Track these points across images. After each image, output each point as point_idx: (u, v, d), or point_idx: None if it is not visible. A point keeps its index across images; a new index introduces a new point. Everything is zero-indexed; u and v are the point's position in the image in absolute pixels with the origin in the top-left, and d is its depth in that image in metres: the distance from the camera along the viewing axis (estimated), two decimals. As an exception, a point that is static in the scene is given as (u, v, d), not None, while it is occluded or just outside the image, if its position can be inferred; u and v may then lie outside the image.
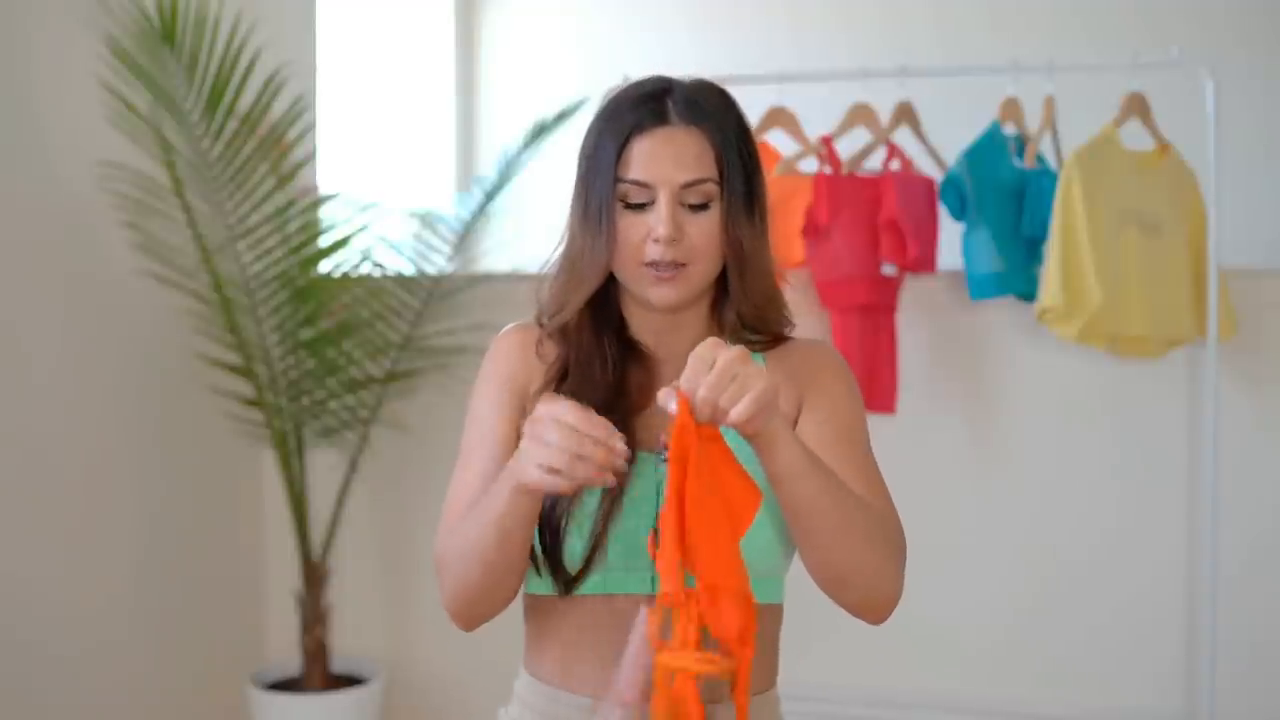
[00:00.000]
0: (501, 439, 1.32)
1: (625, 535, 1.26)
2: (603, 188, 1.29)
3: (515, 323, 1.41)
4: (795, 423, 1.33)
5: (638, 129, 1.29)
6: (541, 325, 1.37)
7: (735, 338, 1.36)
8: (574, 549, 1.26)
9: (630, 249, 1.28)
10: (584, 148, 1.33)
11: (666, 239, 1.26)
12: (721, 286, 1.36)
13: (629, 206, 1.29)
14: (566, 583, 1.27)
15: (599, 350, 1.34)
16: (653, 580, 1.25)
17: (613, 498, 1.25)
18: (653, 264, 1.28)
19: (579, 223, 1.32)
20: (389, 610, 3.35)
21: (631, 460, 1.23)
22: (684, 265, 1.28)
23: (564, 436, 1.09)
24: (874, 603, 1.26)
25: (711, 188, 1.28)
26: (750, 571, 1.23)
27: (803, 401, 1.34)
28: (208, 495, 3.17)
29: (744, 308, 1.34)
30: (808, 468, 1.16)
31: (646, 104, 1.30)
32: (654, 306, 1.31)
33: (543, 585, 1.30)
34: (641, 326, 1.36)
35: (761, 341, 1.37)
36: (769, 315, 1.36)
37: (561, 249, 1.35)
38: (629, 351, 1.36)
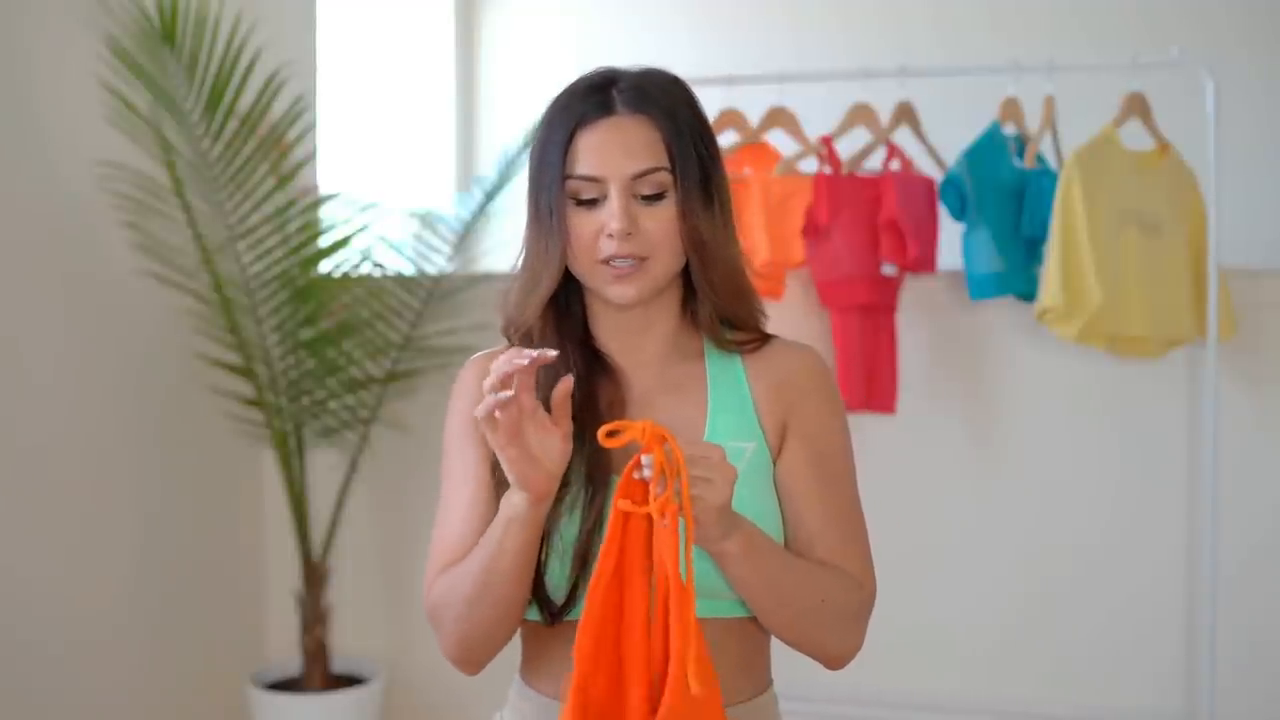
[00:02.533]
0: (477, 476, 1.28)
1: None
2: (551, 185, 1.24)
3: (478, 354, 1.36)
4: (781, 442, 1.29)
5: (583, 122, 1.24)
6: (507, 337, 1.32)
7: (713, 335, 1.31)
8: (556, 579, 1.23)
9: (585, 247, 1.24)
10: (532, 148, 1.28)
11: (620, 233, 1.21)
12: (689, 283, 1.31)
13: (581, 203, 1.24)
14: (552, 613, 1.24)
15: (564, 361, 1.27)
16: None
17: (589, 527, 1.22)
18: (609, 261, 1.23)
19: (531, 224, 1.28)
20: (389, 610, 3.35)
21: (605, 482, 1.22)
22: (643, 260, 1.23)
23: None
24: (828, 660, 1.29)
25: (665, 177, 1.23)
26: (727, 589, 1.24)
27: (788, 424, 1.29)
28: (208, 495, 3.17)
29: (713, 303, 1.29)
30: (757, 576, 1.18)
31: (591, 95, 1.26)
32: (616, 305, 1.27)
33: (532, 611, 1.27)
34: (609, 330, 1.31)
35: (742, 341, 1.32)
36: (739, 310, 1.31)
37: (520, 255, 1.30)
38: (596, 364, 1.30)
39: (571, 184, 1.24)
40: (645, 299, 1.26)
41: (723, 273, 1.28)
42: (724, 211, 1.28)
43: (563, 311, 1.30)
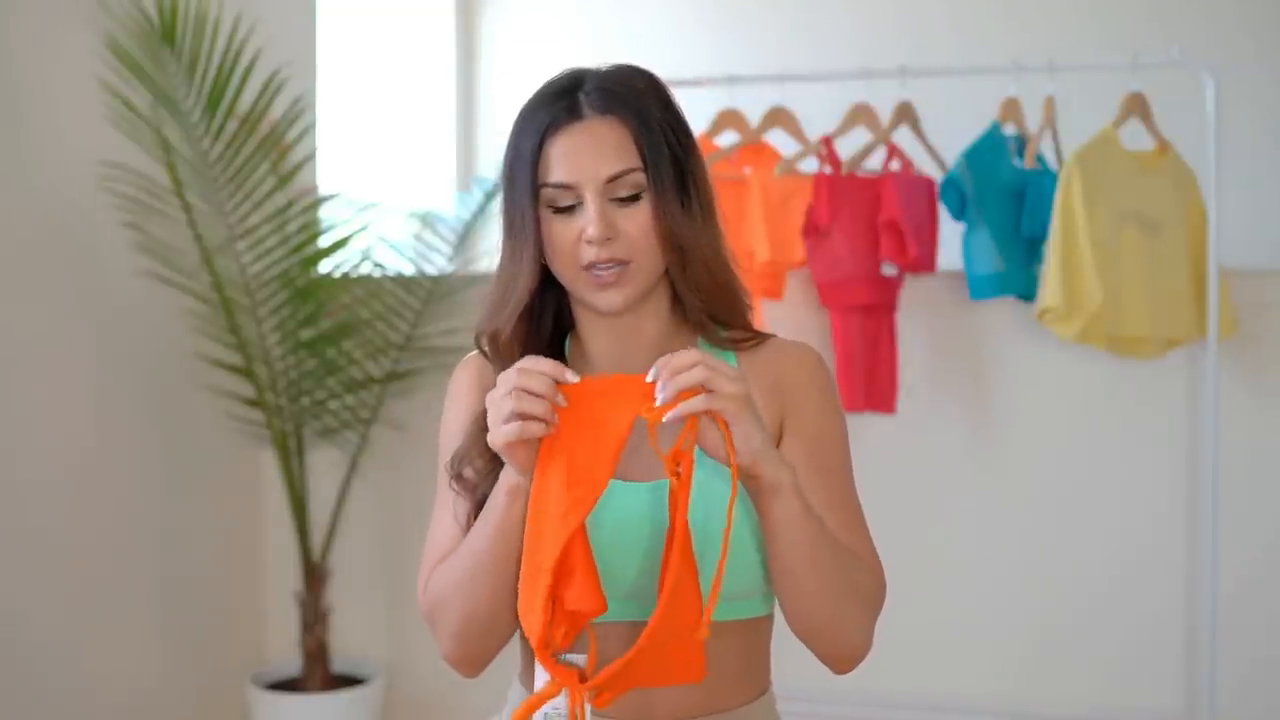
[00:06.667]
0: None
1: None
2: (522, 195, 1.22)
3: (471, 354, 1.35)
4: (778, 440, 1.26)
5: (552, 128, 1.22)
6: (479, 347, 1.30)
7: (706, 334, 1.29)
8: None
9: (566, 254, 1.22)
10: (504, 157, 1.26)
11: (598, 239, 1.19)
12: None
13: (558, 211, 1.22)
14: None
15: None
16: (628, 606, 1.21)
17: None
18: (592, 267, 1.21)
19: (505, 235, 1.26)
20: (389, 610, 3.35)
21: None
22: (625, 263, 1.21)
23: (508, 380, 1.10)
24: (842, 655, 1.25)
25: (639, 177, 1.21)
26: (732, 592, 1.22)
27: (785, 421, 1.27)
28: (208, 495, 3.17)
29: (696, 301, 1.26)
30: (804, 523, 1.14)
31: (558, 100, 1.23)
32: (603, 312, 1.25)
33: None
34: (599, 336, 1.29)
35: (738, 340, 1.30)
36: (720, 307, 1.28)
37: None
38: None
39: (546, 192, 1.22)
40: (632, 304, 1.24)
41: (703, 270, 1.25)
42: (704, 208, 1.25)
43: (535, 325, 1.29)
